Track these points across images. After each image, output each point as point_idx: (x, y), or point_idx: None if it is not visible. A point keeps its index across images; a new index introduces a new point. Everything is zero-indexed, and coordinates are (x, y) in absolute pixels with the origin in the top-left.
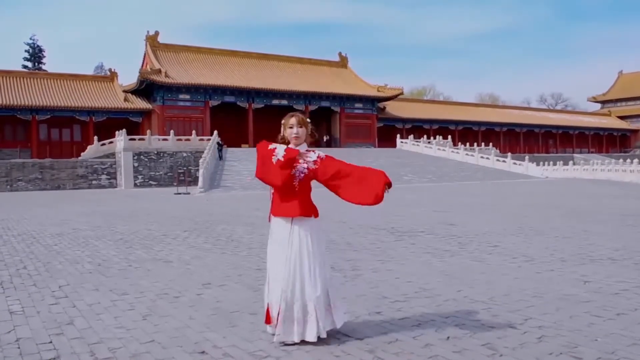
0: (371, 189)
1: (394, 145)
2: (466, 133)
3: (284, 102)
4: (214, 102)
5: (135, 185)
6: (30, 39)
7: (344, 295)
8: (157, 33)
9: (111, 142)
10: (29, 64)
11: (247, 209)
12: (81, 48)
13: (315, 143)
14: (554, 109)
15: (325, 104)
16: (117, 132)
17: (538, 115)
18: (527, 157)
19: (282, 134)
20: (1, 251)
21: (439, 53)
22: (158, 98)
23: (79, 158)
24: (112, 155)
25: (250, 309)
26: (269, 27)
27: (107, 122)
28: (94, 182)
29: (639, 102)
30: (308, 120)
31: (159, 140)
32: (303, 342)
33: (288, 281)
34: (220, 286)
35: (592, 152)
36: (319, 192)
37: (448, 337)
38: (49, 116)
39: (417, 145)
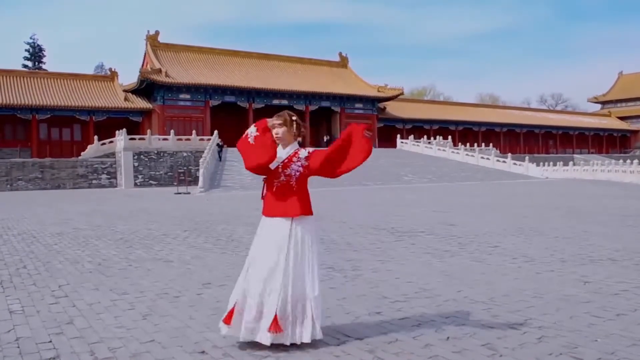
0: (357, 146)
1: (394, 145)
2: (466, 133)
3: (285, 102)
4: (214, 102)
5: (136, 184)
6: (31, 38)
7: (344, 296)
8: (157, 33)
9: (111, 142)
10: (29, 64)
11: (248, 209)
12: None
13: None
14: (554, 109)
15: (325, 104)
16: (117, 132)
17: (538, 116)
18: (527, 158)
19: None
20: (1, 250)
21: (439, 53)
22: (158, 98)
23: (79, 157)
24: (112, 154)
25: None
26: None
27: (107, 122)
28: (94, 181)
29: (639, 102)
30: (294, 118)
31: (159, 139)
32: (293, 345)
33: (287, 282)
34: (221, 286)
35: (592, 153)
36: (318, 192)
37: (448, 337)
38: (49, 115)
39: (418, 145)
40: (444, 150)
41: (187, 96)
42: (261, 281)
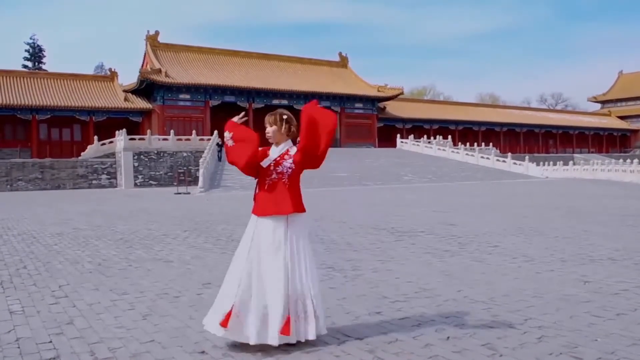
0: (321, 118)
1: (394, 145)
2: (466, 133)
3: (284, 102)
4: (214, 102)
5: (136, 185)
6: (31, 38)
7: (344, 296)
8: (157, 33)
9: (111, 142)
10: (29, 64)
11: (248, 209)
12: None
13: None
14: (554, 109)
15: (325, 104)
16: (117, 132)
17: (538, 115)
18: (527, 157)
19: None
20: (1, 251)
21: (439, 53)
22: (158, 98)
23: (79, 158)
24: (112, 155)
25: None
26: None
27: (107, 122)
28: (94, 181)
29: (639, 102)
30: (284, 117)
31: (159, 140)
32: (294, 345)
33: (290, 282)
34: (221, 286)
35: (592, 152)
36: (318, 192)
37: (448, 337)
38: (49, 116)
39: (417, 145)
40: (444, 150)
41: (187, 96)
42: (264, 283)
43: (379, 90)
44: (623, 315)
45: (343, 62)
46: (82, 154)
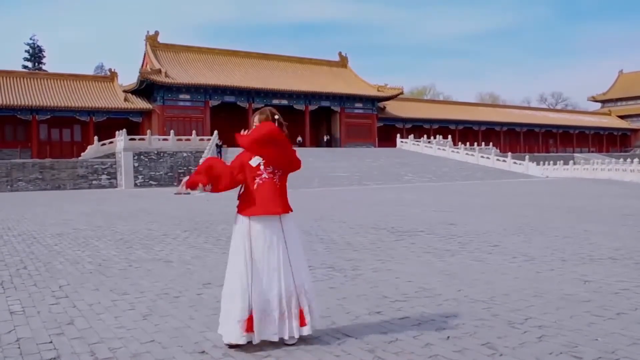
0: (258, 134)
1: (394, 145)
2: (466, 133)
3: (284, 102)
4: (214, 102)
5: (136, 185)
6: (31, 39)
7: (344, 295)
8: (157, 33)
9: (111, 142)
10: (29, 64)
11: None
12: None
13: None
14: (554, 108)
15: (325, 103)
16: (117, 132)
17: (538, 115)
18: (527, 157)
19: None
20: (2, 251)
21: (439, 53)
22: (158, 98)
23: (79, 158)
24: (113, 155)
25: None
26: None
27: (107, 122)
28: (94, 182)
29: (639, 101)
30: (276, 116)
31: (159, 140)
32: (294, 344)
33: (294, 278)
34: (221, 286)
35: (592, 152)
36: (319, 192)
37: (448, 337)
38: (49, 116)
39: (417, 145)
40: (444, 149)
41: (187, 96)
42: (274, 283)
43: (378, 90)
44: (623, 315)
45: (343, 62)
46: (82, 154)
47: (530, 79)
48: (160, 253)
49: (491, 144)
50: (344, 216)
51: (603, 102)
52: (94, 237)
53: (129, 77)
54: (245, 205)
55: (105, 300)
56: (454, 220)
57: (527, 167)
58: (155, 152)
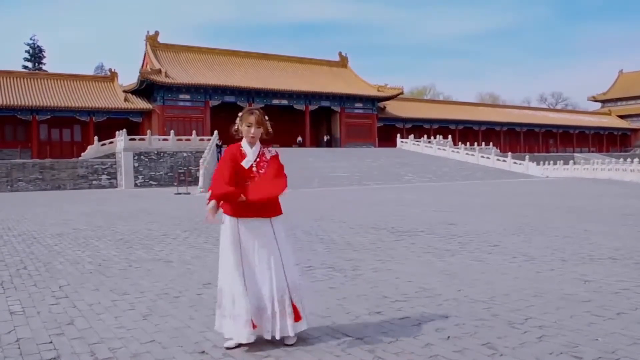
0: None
1: (394, 145)
2: (466, 132)
3: (284, 102)
4: (214, 102)
5: (136, 185)
6: (31, 39)
7: (344, 295)
8: (157, 33)
9: (111, 142)
10: (29, 64)
11: None
12: (81, 48)
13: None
14: (554, 108)
15: (325, 103)
16: (117, 132)
17: (538, 115)
18: (527, 157)
19: (237, 127)
20: (2, 251)
21: (439, 53)
22: (158, 98)
23: (80, 158)
24: (113, 155)
25: None
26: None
27: (107, 122)
28: (94, 182)
29: (639, 101)
30: (266, 118)
31: (159, 140)
32: (293, 344)
33: (276, 278)
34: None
35: (592, 152)
36: (318, 192)
37: (448, 337)
38: (49, 116)
39: (418, 145)
40: (444, 149)
41: (187, 96)
42: (266, 283)
43: (379, 90)
44: (623, 315)
45: (343, 62)
46: (82, 154)
47: (530, 79)
48: (160, 253)
49: (491, 143)
50: (344, 216)
51: (603, 102)
52: (94, 237)
53: (129, 77)
54: (234, 205)
55: (105, 301)
56: (454, 220)
57: (527, 167)
58: (156, 152)
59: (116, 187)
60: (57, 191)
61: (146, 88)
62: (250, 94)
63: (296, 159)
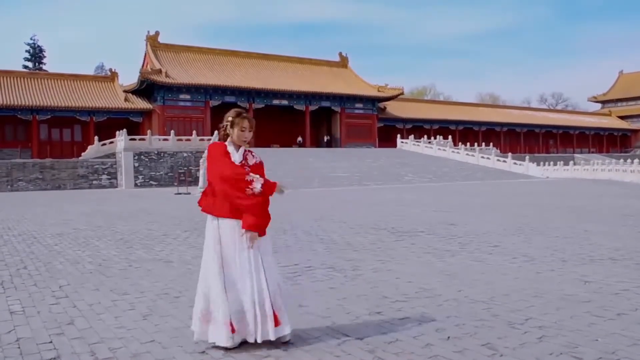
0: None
1: (394, 145)
2: (467, 133)
3: (285, 102)
4: (214, 102)
5: (136, 185)
6: (31, 39)
7: (344, 296)
8: (157, 33)
9: (112, 142)
10: (30, 64)
11: None
12: (81, 48)
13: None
14: (554, 108)
15: (325, 104)
16: (117, 132)
17: (538, 115)
18: (527, 157)
19: (226, 130)
20: (2, 251)
21: (439, 53)
22: (158, 98)
23: (80, 158)
24: (113, 155)
25: None
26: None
27: (107, 122)
28: (94, 182)
29: (639, 102)
30: (254, 121)
31: (159, 140)
32: (293, 345)
33: (256, 282)
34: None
35: (592, 152)
36: (318, 192)
37: (448, 337)
38: (49, 116)
39: (418, 145)
40: (444, 150)
41: (187, 96)
42: (247, 286)
43: (379, 90)
44: (624, 315)
45: (343, 62)
46: (82, 154)
47: (530, 79)
48: (160, 253)
49: (491, 144)
50: (344, 216)
51: (603, 102)
52: (94, 237)
53: (129, 77)
54: (215, 204)
55: (105, 300)
56: (454, 221)
57: (527, 167)
58: (156, 152)
59: (116, 187)
60: (57, 191)
61: (146, 88)
62: (251, 94)
63: (296, 159)
